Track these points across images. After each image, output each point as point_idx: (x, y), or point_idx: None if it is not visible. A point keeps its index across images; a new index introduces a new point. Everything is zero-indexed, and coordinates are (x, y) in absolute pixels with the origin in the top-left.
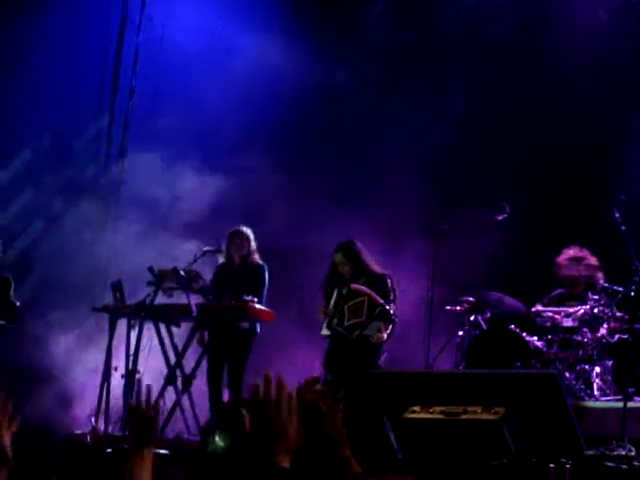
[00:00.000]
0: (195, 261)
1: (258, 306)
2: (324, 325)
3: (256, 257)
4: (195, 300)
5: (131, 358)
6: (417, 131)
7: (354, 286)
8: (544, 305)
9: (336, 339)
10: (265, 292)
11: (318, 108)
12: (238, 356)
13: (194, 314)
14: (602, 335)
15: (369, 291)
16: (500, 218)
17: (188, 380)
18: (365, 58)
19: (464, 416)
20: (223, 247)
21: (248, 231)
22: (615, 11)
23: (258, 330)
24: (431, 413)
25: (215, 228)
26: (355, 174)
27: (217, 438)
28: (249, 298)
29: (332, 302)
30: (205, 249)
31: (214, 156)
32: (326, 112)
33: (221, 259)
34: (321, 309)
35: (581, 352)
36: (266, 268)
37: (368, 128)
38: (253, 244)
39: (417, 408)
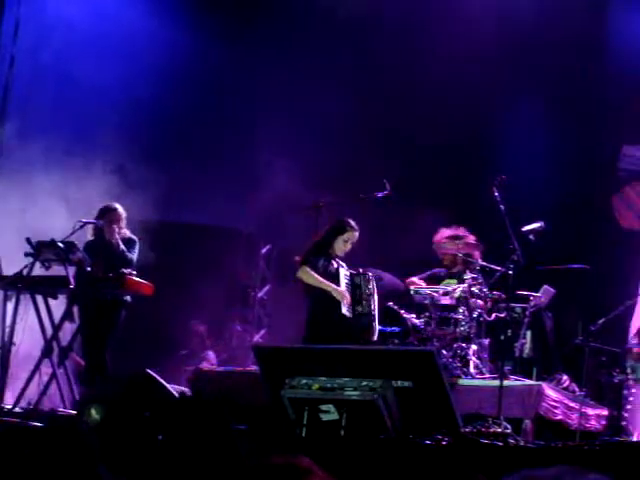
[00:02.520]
0: (73, 233)
1: (137, 279)
2: (348, 305)
3: (127, 232)
4: (72, 272)
5: (7, 330)
6: (299, 110)
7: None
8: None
9: (356, 328)
10: (133, 264)
11: (202, 89)
12: (105, 327)
13: (72, 286)
14: (479, 313)
15: None
16: (380, 195)
17: (64, 353)
18: (256, 42)
19: (342, 392)
20: (101, 221)
21: (119, 208)
22: None
23: (128, 303)
24: (309, 389)
25: (94, 202)
26: (235, 150)
27: (93, 411)
28: (127, 271)
29: (353, 284)
30: (84, 220)
31: (92, 133)
32: (211, 94)
33: (89, 236)
34: (344, 292)
35: (458, 330)
36: (137, 242)
37: (252, 109)
38: (124, 220)
39: (295, 384)
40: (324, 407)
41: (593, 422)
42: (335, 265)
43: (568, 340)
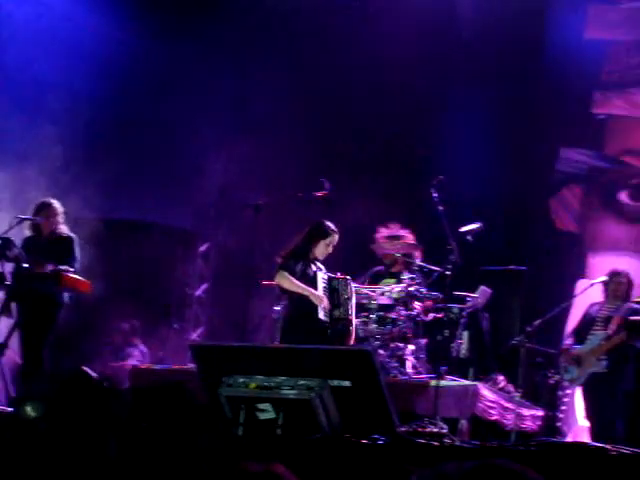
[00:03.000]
0: (10, 229)
1: (74, 276)
2: (325, 310)
3: (65, 229)
4: (9, 269)
5: None
6: (239, 109)
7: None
8: (362, 283)
9: (333, 332)
10: (77, 263)
11: (140, 87)
12: (43, 324)
13: (8, 282)
14: (417, 313)
15: None
16: (319, 194)
17: (0, 349)
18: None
19: (279, 391)
20: (38, 217)
21: (56, 204)
22: None
23: (66, 300)
24: (247, 388)
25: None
26: (174, 148)
27: (29, 408)
28: (64, 267)
29: (330, 288)
30: (21, 217)
31: (30, 130)
32: (149, 92)
33: (27, 232)
34: (322, 297)
35: (396, 330)
36: (75, 239)
37: (192, 107)
38: (61, 216)
39: (233, 382)
40: (261, 406)
41: (528, 422)
42: (313, 268)
43: (505, 341)
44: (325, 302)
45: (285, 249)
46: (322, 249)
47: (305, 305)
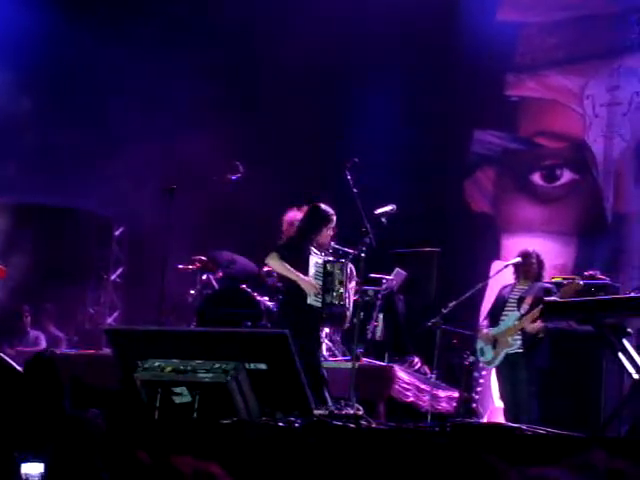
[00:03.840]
0: None
1: None
2: (314, 296)
3: None
4: None
5: None
6: (152, 94)
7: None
8: None
9: (327, 317)
10: None
11: (54, 71)
12: None
13: None
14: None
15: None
16: (234, 178)
17: None
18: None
19: (195, 375)
20: None
21: None
22: None
23: None
24: (162, 372)
25: None
26: (94, 134)
27: None
28: None
29: (325, 271)
30: None
31: None
32: (64, 76)
33: None
34: (311, 282)
35: None
36: None
37: (105, 91)
38: None
39: (148, 366)
40: (177, 389)
41: (444, 404)
42: (308, 252)
43: (420, 323)
44: (315, 288)
45: (285, 237)
46: (325, 235)
47: (294, 290)
